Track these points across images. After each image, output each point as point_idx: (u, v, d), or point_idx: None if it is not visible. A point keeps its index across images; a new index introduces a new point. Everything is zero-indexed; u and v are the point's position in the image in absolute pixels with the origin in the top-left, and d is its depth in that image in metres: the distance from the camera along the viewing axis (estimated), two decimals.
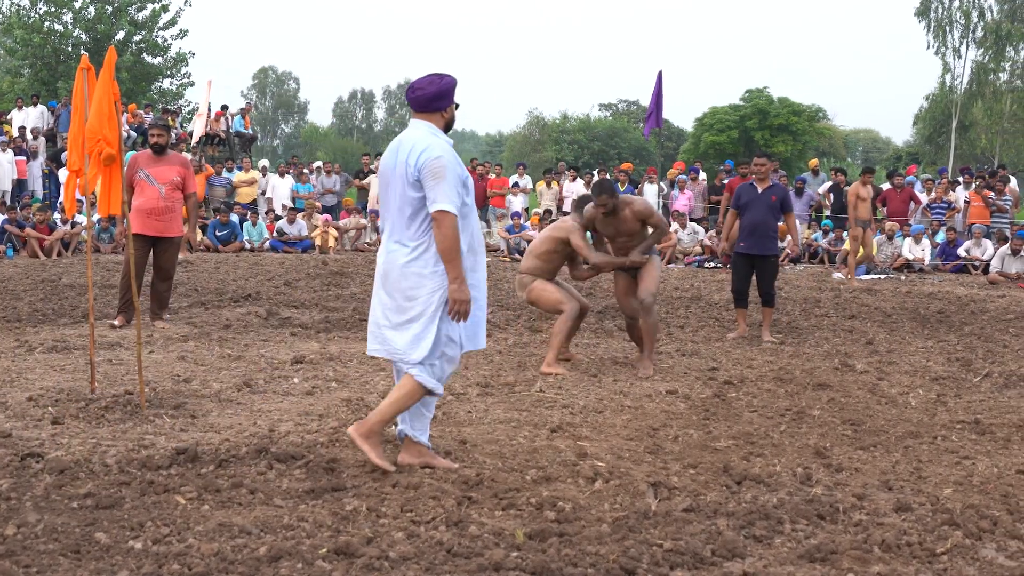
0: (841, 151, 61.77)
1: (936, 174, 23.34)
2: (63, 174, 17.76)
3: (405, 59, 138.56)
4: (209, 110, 24.70)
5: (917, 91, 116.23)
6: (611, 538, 3.86)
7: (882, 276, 16.42)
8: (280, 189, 21.19)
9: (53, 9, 34.08)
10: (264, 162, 25.10)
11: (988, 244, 17.47)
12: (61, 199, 17.64)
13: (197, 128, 24.30)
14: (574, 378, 7.19)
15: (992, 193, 18.97)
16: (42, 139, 22.45)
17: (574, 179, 21.57)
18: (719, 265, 17.26)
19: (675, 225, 18.79)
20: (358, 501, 4.20)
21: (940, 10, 43.61)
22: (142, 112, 24.27)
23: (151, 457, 4.74)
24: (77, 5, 34.30)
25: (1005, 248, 16.29)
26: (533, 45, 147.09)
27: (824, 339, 9.49)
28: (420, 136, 4.61)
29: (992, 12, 43.39)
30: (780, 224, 9.82)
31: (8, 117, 23.64)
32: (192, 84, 37.31)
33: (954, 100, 43.72)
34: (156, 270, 9.28)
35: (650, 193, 21.02)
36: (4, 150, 20.58)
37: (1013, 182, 20.84)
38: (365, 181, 21.52)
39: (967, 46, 43.49)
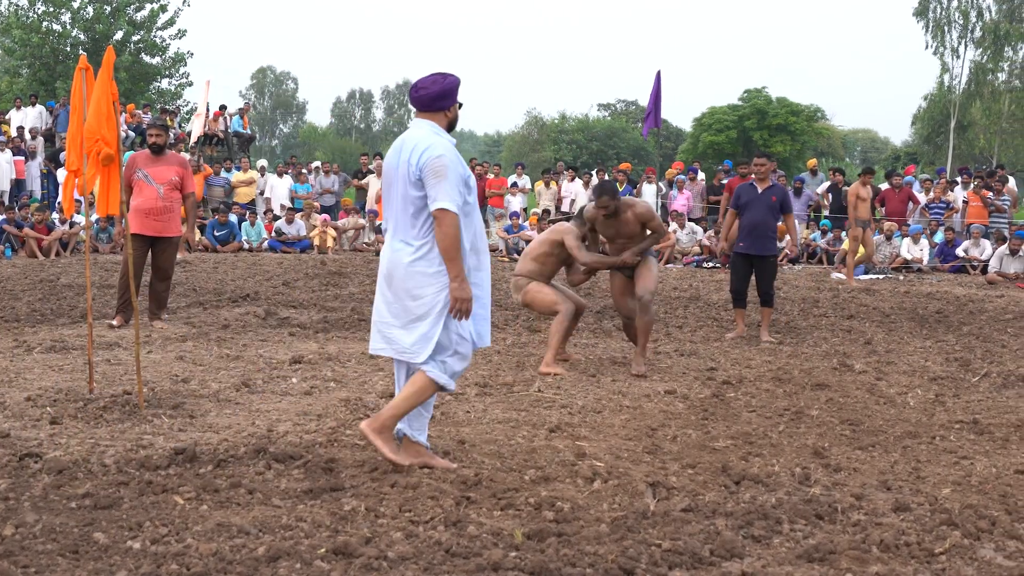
0: (839, 151, 61.78)
1: (935, 174, 23.36)
2: (61, 174, 17.80)
3: (404, 59, 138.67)
4: (207, 110, 24.70)
5: (915, 91, 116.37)
6: (609, 538, 3.86)
7: (880, 276, 16.43)
8: (278, 189, 21.18)
9: (51, 9, 34.06)
10: (262, 162, 25.09)
11: (986, 244, 17.48)
12: (59, 199, 17.66)
13: (195, 128, 24.30)
14: (572, 378, 7.19)
15: (990, 193, 18.99)
16: (40, 139, 22.44)
17: (572, 179, 21.57)
18: (717, 265, 17.26)
19: (673, 225, 18.79)
20: (356, 501, 4.20)
21: (939, 10, 43.64)
22: (140, 112, 24.26)
23: (149, 457, 4.74)
24: (75, 5, 34.27)
25: (1003, 248, 16.30)
26: (532, 45, 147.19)
27: (822, 339, 9.49)
28: (422, 135, 4.62)
29: (990, 12, 43.43)
30: (779, 224, 9.83)
31: (6, 117, 23.63)
32: (190, 84, 37.33)
33: (952, 100, 43.75)
34: (154, 270, 9.28)
35: (649, 193, 21.01)
36: (2, 150, 20.58)
37: (1011, 182, 20.86)
38: (363, 181, 21.51)
39: (965, 46, 43.54)
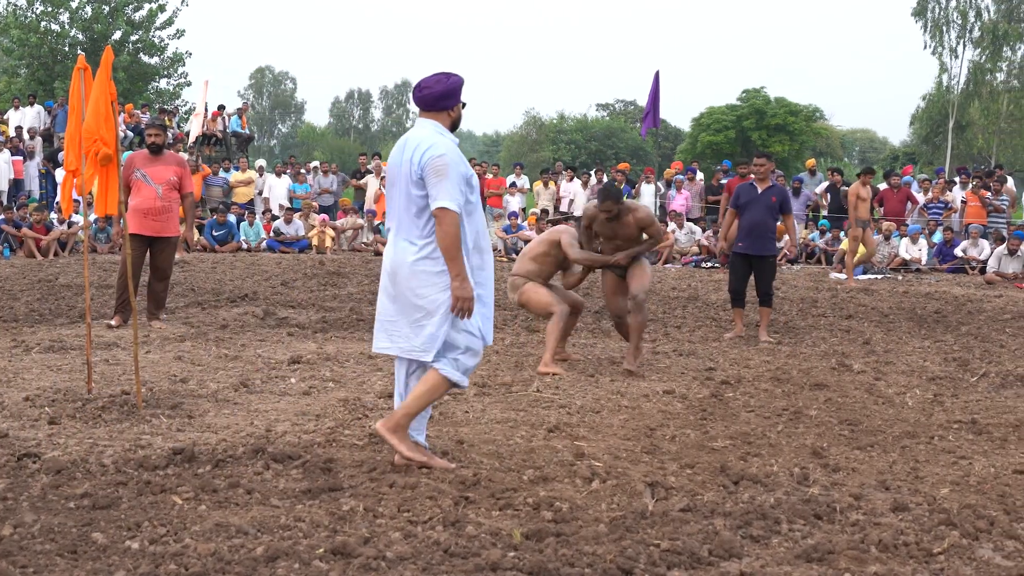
0: (838, 151, 61.80)
1: (933, 174, 23.37)
2: (60, 174, 17.81)
3: (402, 59, 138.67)
4: (206, 110, 24.71)
5: (914, 91, 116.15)
6: (608, 538, 3.85)
7: (879, 276, 16.44)
8: (277, 189, 21.17)
9: (50, 9, 34.04)
10: (261, 162, 25.08)
11: (985, 244, 17.48)
12: (58, 199, 17.67)
13: (194, 128, 24.31)
14: (571, 378, 7.19)
15: (989, 193, 19.00)
16: (39, 139, 22.44)
17: (571, 179, 21.57)
18: (716, 265, 17.27)
19: (672, 225, 18.80)
20: (355, 501, 4.20)
21: (937, 10, 43.66)
22: (139, 112, 24.26)
23: (148, 457, 4.73)
24: (74, 5, 34.27)
25: (1002, 248, 16.31)
26: (530, 45, 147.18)
27: (821, 339, 9.49)
28: (425, 135, 4.64)
29: (989, 12, 43.45)
30: (779, 224, 9.83)
31: (5, 117, 23.63)
32: (189, 84, 37.30)
33: (951, 100, 43.77)
34: (153, 270, 9.28)
35: (647, 193, 21.03)
36: (1, 150, 20.56)
37: (1010, 182, 20.86)
38: (362, 181, 21.51)
39: (964, 46, 43.58)
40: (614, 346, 8.78)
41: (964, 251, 17.60)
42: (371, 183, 20.97)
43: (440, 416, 5.81)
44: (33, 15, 33.89)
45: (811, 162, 24.27)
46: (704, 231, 18.75)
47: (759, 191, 9.58)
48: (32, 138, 22.09)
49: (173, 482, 4.38)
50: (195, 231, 14.63)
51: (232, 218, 18.87)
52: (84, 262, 6.55)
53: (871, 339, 9.52)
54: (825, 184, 20.76)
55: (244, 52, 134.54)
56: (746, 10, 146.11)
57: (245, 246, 18.66)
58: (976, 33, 43.16)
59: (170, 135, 21.48)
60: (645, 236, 7.74)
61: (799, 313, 11.38)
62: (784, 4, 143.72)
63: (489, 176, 21.89)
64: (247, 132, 27.56)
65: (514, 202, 21.22)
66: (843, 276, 15.63)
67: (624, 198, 7.68)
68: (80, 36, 34.61)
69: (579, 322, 8.43)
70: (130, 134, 21.85)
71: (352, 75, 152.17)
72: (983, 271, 16.62)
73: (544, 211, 20.20)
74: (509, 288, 7.97)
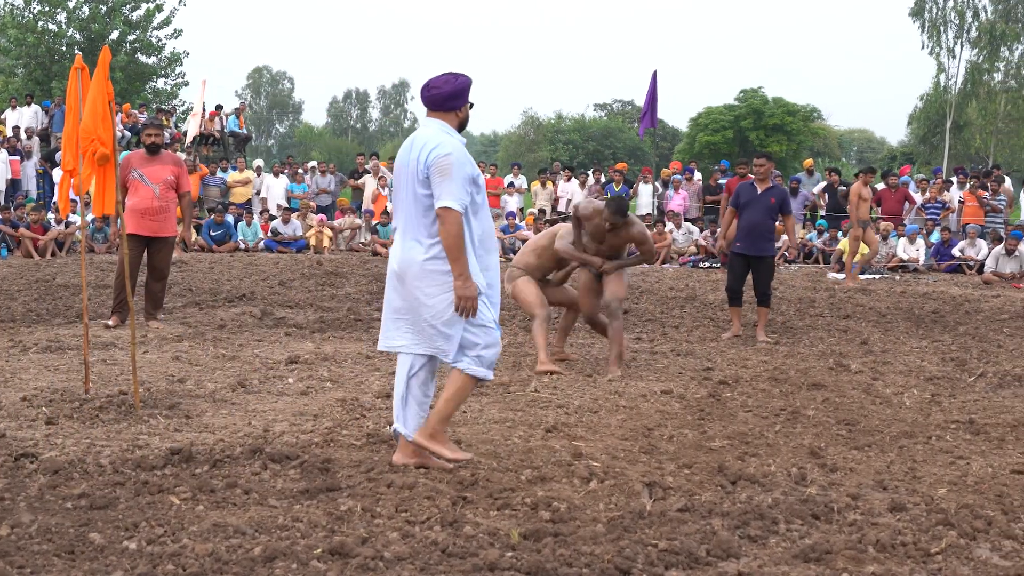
0: (836, 151, 61.86)
1: (931, 174, 23.38)
2: (57, 174, 17.75)
3: (400, 59, 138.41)
4: (204, 110, 24.68)
5: (912, 91, 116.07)
6: (606, 538, 3.86)
7: (877, 276, 16.45)
8: (275, 189, 21.16)
9: (47, 9, 33.97)
10: (259, 162, 25.08)
11: (982, 244, 17.50)
12: (55, 199, 17.63)
13: (191, 128, 24.28)
14: (569, 378, 7.19)
15: (986, 193, 19.01)
16: (36, 139, 22.41)
17: (569, 179, 21.59)
18: (716, 265, 17.28)
19: (670, 225, 18.81)
20: (353, 501, 4.20)
21: (934, 10, 43.67)
22: (136, 112, 24.23)
23: (145, 457, 4.73)
24: (71, 5, 34.20)
25: (999, 248, 16.32)
26: (528, 45, 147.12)
27: (819, 339, 9.50)
28: (432, 134, 4.66)
29: (986, 12, 43.46)
30: (778, 224, 9.82)
31: (2, 117, 23.60)
32: (186, 84, 37.24)
33: (948, 100, 43.78)
34: (150, 270, 9.27)
35: (645, 193, 21.05)
36: None
37: (1007, 182, 20.88)
38: (360, 181, 21.51)
39: (961, 46, 43.58)
40: None
41: (962, 251, 17.61)
42: (369, 183, 20.96)
43: None
44: (30, 15, 33.83)
45: (809, 162, 24.28)
46: (702, 231, 18.76)
47: (759, 191, 9.58)
48: (29, 138, 22.07)
49: (171, 482, 4.38)
50: (193, 231, 14.64)
51: (230, 218, 18.86)
52: (81, 262, 6.55)
53: (869, 339, 9.53)
54: (823, 184, 20.76)
55: (242, 52, 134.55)
56: (744, 10, 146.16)
57: (243, 246, 18.64)
58: (973, 33, 43.17)
59: (167, 135, 21.47)
60: (636, 252, 7.81)
61: (797, 313, 11.39)
62: (782, 4, 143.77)
63: (487, 176, 21.89)
64: (245, 132, 27.54)
65: (512, 202, 21.23)
66: (841, 276, 15.64)
67: (627, 213, 7.73)
68: (77, 36, 34.55)
69: (576, 322, 8.42)
70: (127, 134, 21.83)
71: (350, 75, 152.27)
72: (980, 271, 16.63)
73: (542, 211, 20.21)
74: (506, 278, 7.98)
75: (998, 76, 44.02)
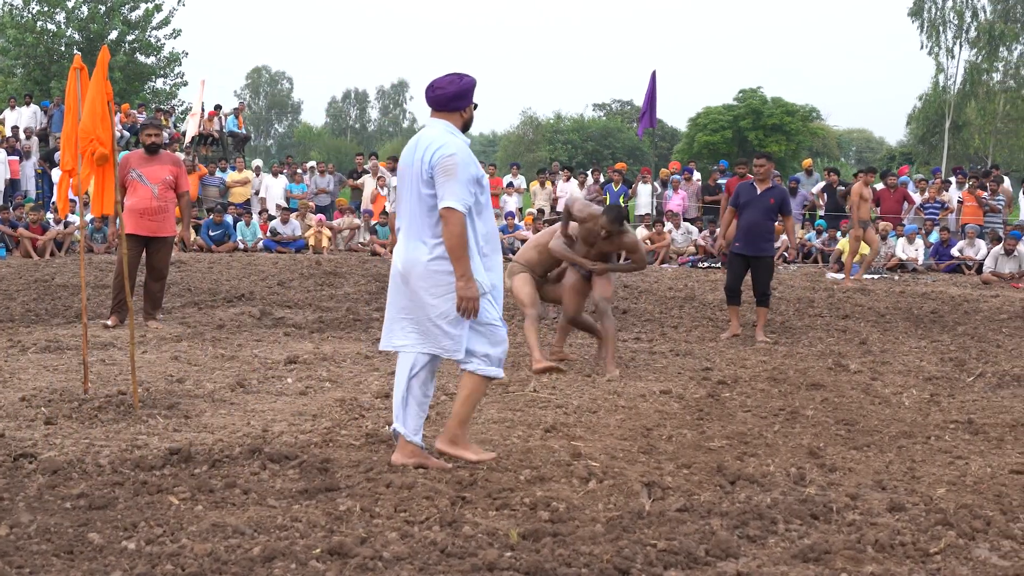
0: (835, 151, 61.85)
1: (929, 174, 23.39)
2: (56, 174, 17.76)
3: (399, 59, 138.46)
4: (202, 110, 24.68)
5: (910, 91, 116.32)
6: (605, 538, 3.86)
7: (875, 276, 16.45)
8: (274, 189, 21.16)
9: (46, 9, 33.95)
10: (258, 162, 25.06)
11: (981, 244, 17.51)
12: (54, 199, 17.62)
13: (190, 128, 24.27)
14: (568, 378, 7.19)
15: (985, 193, 19.02)
16: (35, 139, 22.39)
17: (568, 179, 21.57)
18: (715, 265, 17.29)
19: (669, 225, 18.81)
20: (352, 501, 4.20)
21: (933, 10, 43.66)
22: (135, 112, 24.21)
23: (144, 457, 4.73)
24: (70, 5, 34.18)
25: (998, 248, 16.33)
26: (527, 45, 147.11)
27: (818, 339, 9.50)
28: (436, 134, 4.67)
29: (985, 12, 43.46)
30: (777, 224, 9.82)
31: (1, 117, 23.58)
32: (185, 84, 37.21)
33: (947, 100, 43.77)
34: (149, 270, 9.27)
35: (644, 193, 21.05)
36: None
37: (1006, 182, 20.89)
38: (359, 181, 21.50)
39: (960, 46, 43.56)
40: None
41: (960, 251, 17.62)
42: (368, 183, 20.95)
43: (437, 416, 5.81)
44: (29, 15, 33.81)
45: (807, 162, 24.28)
46: (700, 231, 18.76)
47: (759, 192, 9.58)
48: (28, 138, 22.05)
49: (169, 482, 4.38)
50: (191, 231, 14.64)
51: (229, 218, 18.85)
52: (80, 262, 6.54)
53: (868, 339, 9.53)
54: (821, 184, 20.76)
55: (241, 52, 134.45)
56: (743, 10, 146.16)
57: (242, 246, 18.64)
58: (972, 33, 43.15)
59: (166, 135, 21.47)
60: (628, 260, 7.90)
61: (796, 313, 11.39)
62: (781, 4, 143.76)
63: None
64: (243, 132, 27.52)
65: (511, 202, 21.22)
66: (840, 276, 15.64)
67: (624, 222, 7.75)
68: (76, 36, 34.53)
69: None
70: (126, 134, 21.82)
71: (349, 75, 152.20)
72: (979, 271, 16.64)
73: (540, 211, 20.21)
74: (507, 273, 7.98)
75: (997, 76, 44.02)
